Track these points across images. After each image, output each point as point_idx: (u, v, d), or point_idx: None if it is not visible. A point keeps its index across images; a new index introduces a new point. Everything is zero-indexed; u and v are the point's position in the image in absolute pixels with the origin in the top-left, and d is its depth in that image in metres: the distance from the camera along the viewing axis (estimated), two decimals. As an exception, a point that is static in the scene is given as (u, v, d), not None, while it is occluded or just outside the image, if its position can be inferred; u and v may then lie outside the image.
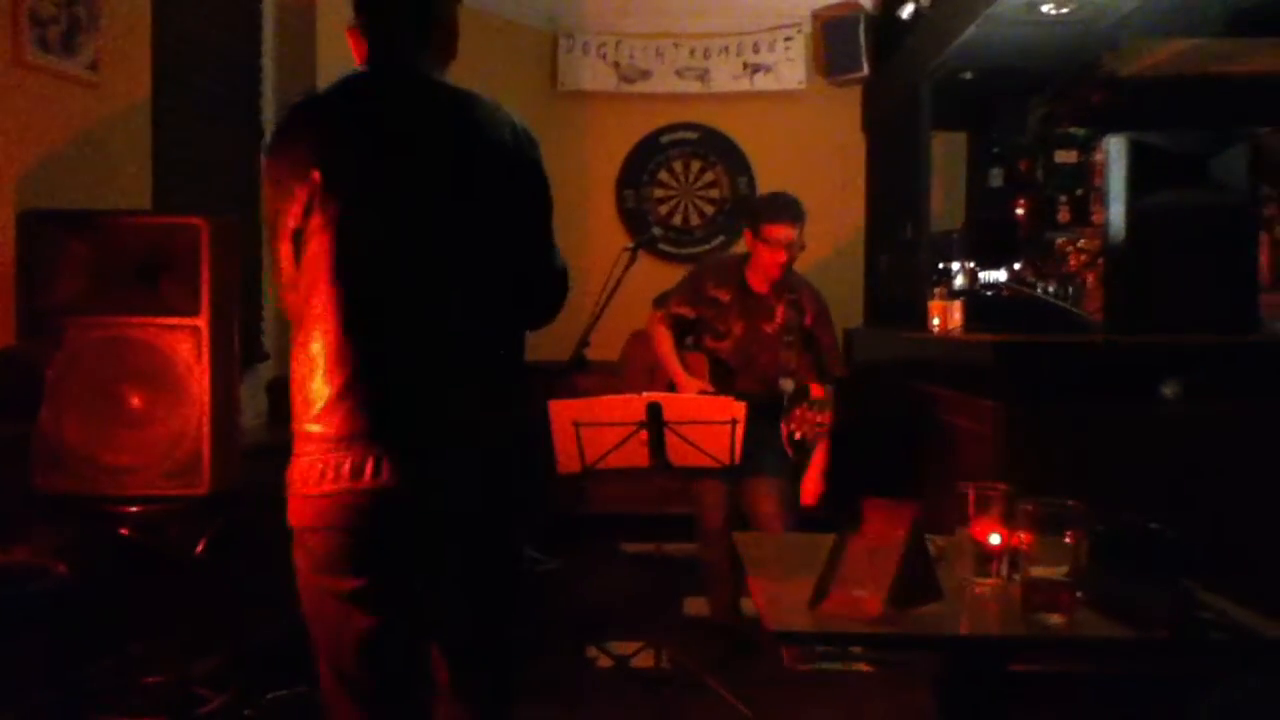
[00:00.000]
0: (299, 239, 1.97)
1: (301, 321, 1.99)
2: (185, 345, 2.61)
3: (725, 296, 3.96)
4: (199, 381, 2.60)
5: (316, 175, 1.93)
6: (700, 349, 4.05)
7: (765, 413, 3.70)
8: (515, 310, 2.12)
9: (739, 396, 3.45)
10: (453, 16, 2.17)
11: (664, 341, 4.01)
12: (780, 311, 3.94)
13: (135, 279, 2.65)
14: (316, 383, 1.96)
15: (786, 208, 3.84)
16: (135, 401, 2.64)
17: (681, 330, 4.04)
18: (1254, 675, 2.51)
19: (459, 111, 2.06)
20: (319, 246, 1.94)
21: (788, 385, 3.87)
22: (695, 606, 4.62)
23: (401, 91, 2.06)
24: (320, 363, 1.95)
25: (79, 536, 2.67)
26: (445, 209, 2.00)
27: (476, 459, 2.02)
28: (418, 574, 2.03)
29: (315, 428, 1.96)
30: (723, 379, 3.93)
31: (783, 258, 3.82)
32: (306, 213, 1.94)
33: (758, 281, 3.93)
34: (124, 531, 2.66)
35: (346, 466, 1.92)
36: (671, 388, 3.89)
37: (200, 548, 2.79)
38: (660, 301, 4.10)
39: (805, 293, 3.98)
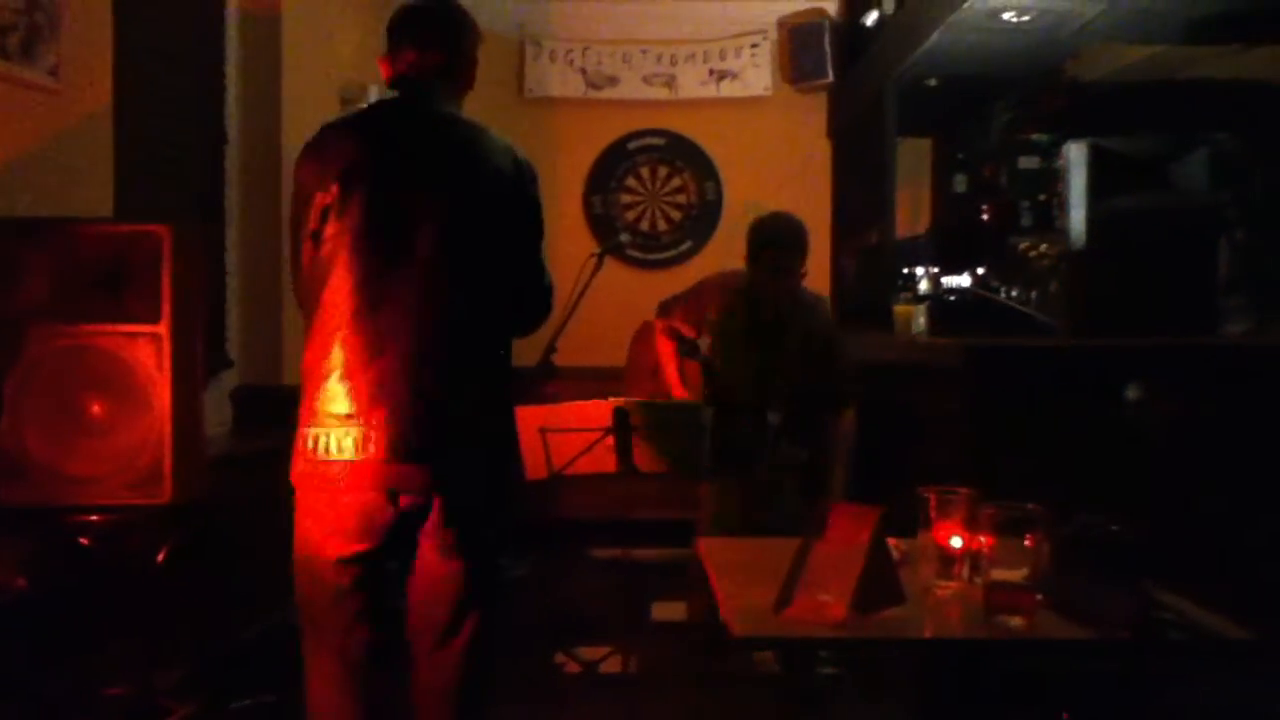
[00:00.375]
0: (316, 239, 2.27)
1: (313, 311, 2.29)
2: (146, 354, 2.59)
3: (731, 323, 3.76)
4: (160, 390, 2.58)
5: (335, 188, 2.24)
6: (700, 358, 3.90)
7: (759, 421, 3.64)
8: (509, 319, 2.43)
9: (736, 408, 3.40)
10: (474, 50, 2.51)
11: (665, 351, 3.91)
12: (786, 338, 3.70)
13: (96, 287, 2.62)
14: (325, 364, 2.24)
15: (769, 231, 3.65)
16: (96, 411, 2.61)
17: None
18: (1224, 676, 2.54)
19: (468, 143, 2.37)
20: (333, 248, 2.25)
21: (775, 419, 3.68)
22: (664, 611, 4.63)
23: (419, 121, 2.37)
24: (330, 347, 2.23)
25: (39, 548, 2.64)
26: (449, 226, 2.28)
27: (480, 459, 2.31)
28: (403, 553, 2.32)
29: (320, 404, 2.24)
30: (718, 392, 3.78)
31: (770, 283, 3.63)
32: (323, 219, 2.26)
33: (763, 305, 3.71)
34: (85, 542, 2.63)
35: (342, 439, 2.20)
36: None
37: (162, 557, 2.76)
38: (664, 309, 3.94)
39: (816, 318, 3.76)
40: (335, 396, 2.21)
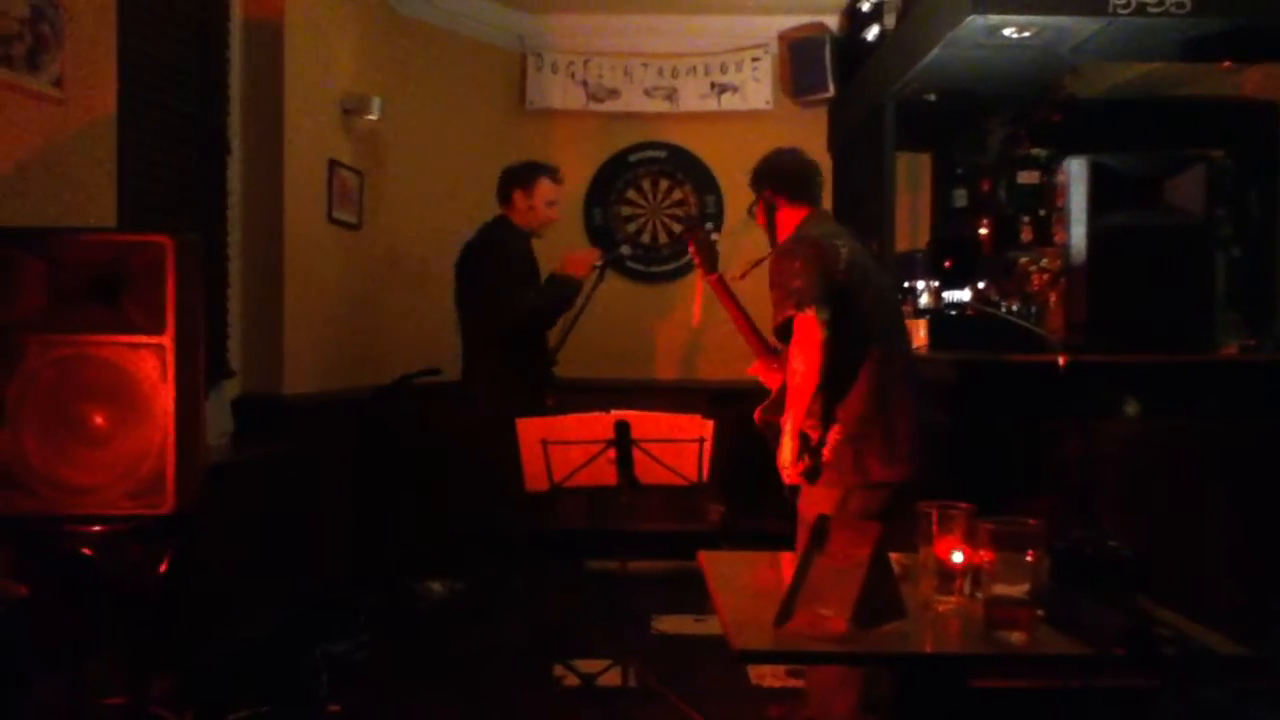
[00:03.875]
0: None
1: None
2: (150, 363, 2.59)
3: None
4: (164, 400, 2.58)
5: None
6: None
7: None
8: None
9: None
10: (517, 189, 4.57)
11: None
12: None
13: (96, 297, 2.62)
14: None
15: None
16: (98, 420, 2.60)
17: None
18: (1210, 689, 2.55)
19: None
20: None
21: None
22: (664, 624, 4.63)
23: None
24: None
25: (41, 557, 2.64)
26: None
27: None
28: None
29: None
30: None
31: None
32: None
33: None
34: (86, 551, 2.63)
35: None
36: None
37: (164, 567, 2.76)
38: None
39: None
40: None
